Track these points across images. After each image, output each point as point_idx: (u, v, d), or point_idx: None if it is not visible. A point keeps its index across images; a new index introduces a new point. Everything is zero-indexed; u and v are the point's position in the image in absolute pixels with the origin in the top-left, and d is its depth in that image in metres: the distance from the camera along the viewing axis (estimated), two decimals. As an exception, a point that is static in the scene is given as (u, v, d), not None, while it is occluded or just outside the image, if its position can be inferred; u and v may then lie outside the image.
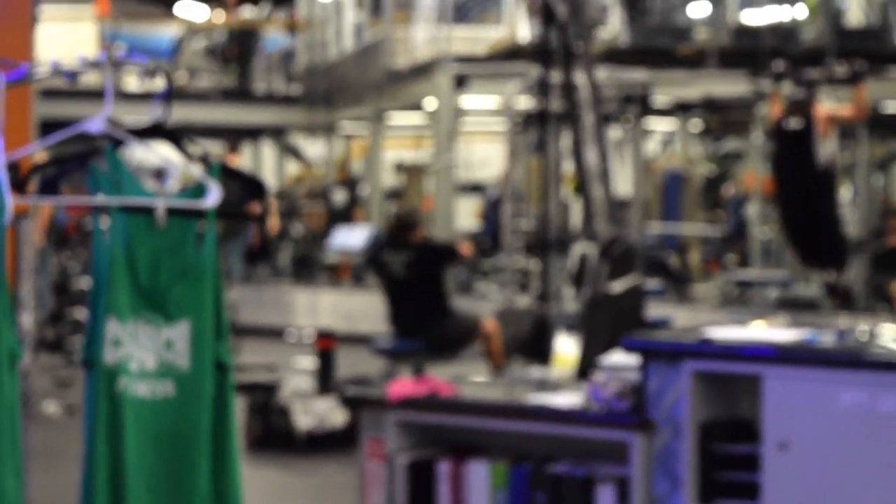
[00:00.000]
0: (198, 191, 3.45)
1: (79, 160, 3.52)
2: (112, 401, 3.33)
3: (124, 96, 20.73)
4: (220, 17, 22.40)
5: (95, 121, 3.40)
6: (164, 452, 3.39)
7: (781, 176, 11.27)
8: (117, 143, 3.48)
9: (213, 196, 3.38)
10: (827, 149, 10.91)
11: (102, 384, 3.33)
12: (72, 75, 3.46)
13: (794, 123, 10.83)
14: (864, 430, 3.73)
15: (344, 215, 19.39)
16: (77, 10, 22.14)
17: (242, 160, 24.98)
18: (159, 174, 3.43)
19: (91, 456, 3.32)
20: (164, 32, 23.96)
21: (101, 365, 3.33)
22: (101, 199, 3.37)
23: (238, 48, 21.96)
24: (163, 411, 3.38)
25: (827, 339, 4.03)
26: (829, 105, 11.23)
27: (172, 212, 3.40)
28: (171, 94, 3.69)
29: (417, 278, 9.77)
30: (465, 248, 10.58)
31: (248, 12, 23.00)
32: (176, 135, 3.59)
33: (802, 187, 10.85)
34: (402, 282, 9.79)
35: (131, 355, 3.35)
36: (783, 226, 11.59)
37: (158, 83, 3.68)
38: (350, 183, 20.82)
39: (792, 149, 10.88)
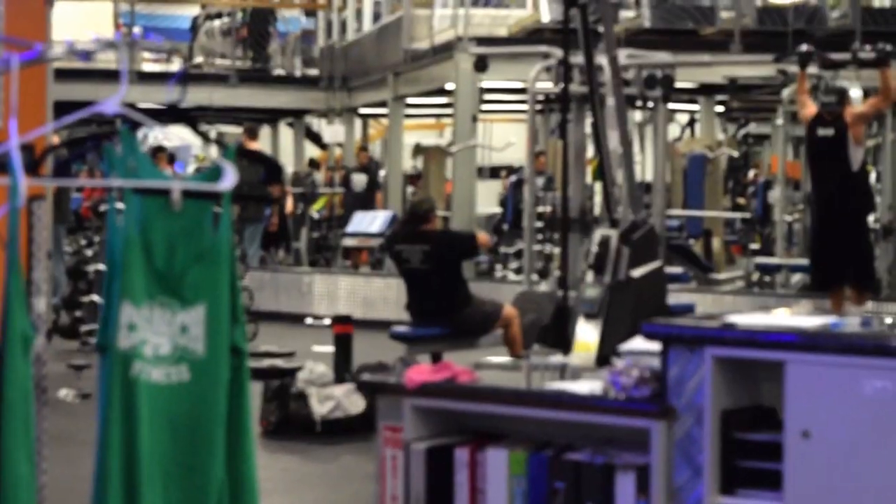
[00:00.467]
0: (214, 173, 3.41)
1: (94, 142, 3.48)
2: (127, 386, 3.30)
3: (141, 77, 20.74)
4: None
5: (110, 102, 3.35)
6: (179, 438, 3.36)
7: (816, 182, 11.23)
8: (133, 125, 3.44)
9: (229, 179, 3.34)
10: (859, 153, 10.86)
11: (117, 369, 3.30)
12: (86, 55, 3.41)
13: (827, 131, 10.76)
14: (887, 417, 3.68)
15: (363, 200, 19.35)
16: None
17: (261, 144, 24.99)
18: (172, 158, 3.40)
19: (105, 441, 3.29)
20: (182, 13, 23.95)
21: (115, 350, 3.30)
22: (116, 181, 3.33)
23: (252, 29, 21.91)
24: (178, 396, 3.35)
25: (851, 325, 3.98)
26: (857, 107, 11.13)
27: (188, 194, 3.36)
28: (188, 76, 3.64)
29: (436, 269, 9.71)
30: (484, 240, 10.49)
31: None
32: (192, 117, 3.55)
33: (836, 191, 10.79)
34: (421, 272, 9.74)
35: (146, 340, 3.32)
36: (813, 239, 11.45)
37: (175, 64, 3.64)
38: (369, 167, 20.80)
39: (825, 155, 10.83)
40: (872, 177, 13.24)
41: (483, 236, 10.70)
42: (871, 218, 11.85)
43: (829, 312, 4.49)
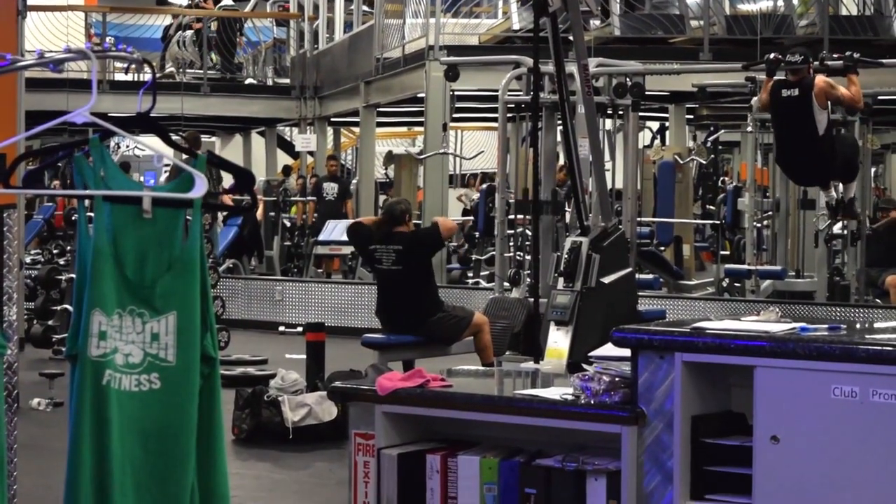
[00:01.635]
0: (185, 182, 3.41)
1: (65, 151, 3.48)
2: (97, 394, 3.30)
3: (113, 86, 20.70)
4: (207, 7, 22.34)
5: (80, 112, 3.36)
6: (151, 446, 3.36)
7: (782, 143, 11.29)
8: (104, 134, 3.45)
9: (199, 188, 3.35)
10: (824, 117, 10.89)
11: (88, 378, 3.31)
12: (56, 66, 3.42)
13: (791, 91, 10.81)
14: (856, 422, 3.70)
15: (335, 208, 19.35)
16: (67, 1, 22.10)
17: (233, 153, 24.96)
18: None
19: (76, 450, 3.29)
20: (154, 23, 23.90)
21: (86, 358, 3.30)
22: (86, 190, 3.33)
23: (219, 39, 21.88)
24: (149, 405, 3.35)
25: (820, 330, 4.00)
26: (829, 79, 11.18)
27: (159, 203, 3.36)
28: (158, 86, 3.65)
29: (408, 270, 9.73)
30: (448, 225, 10.36)
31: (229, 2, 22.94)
32: (162, 127, 3.55)
33: (804, 156, 10.86)
34: (393, 274, 9.75)
35: (117, 349, 3.32)
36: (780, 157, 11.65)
37: (147, 74, 3.65)
38: (339, 175, 20.79)
39: (790, 117, 10.85)
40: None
41: (445, 221, 10.54)
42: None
43: (799, 317, 4.51)
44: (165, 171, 20.87)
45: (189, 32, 22.11)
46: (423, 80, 16.31)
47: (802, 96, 10.75)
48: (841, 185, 11.48)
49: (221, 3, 22.36)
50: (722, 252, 17.51)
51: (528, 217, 10.76)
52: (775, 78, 11.01)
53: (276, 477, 8.22)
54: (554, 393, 4.18)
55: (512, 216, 11.34)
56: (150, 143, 3.88)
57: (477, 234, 17.99)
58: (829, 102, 11.04)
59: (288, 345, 13.31)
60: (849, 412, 3.70)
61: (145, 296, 3.34)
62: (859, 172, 12.51)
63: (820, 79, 10.90)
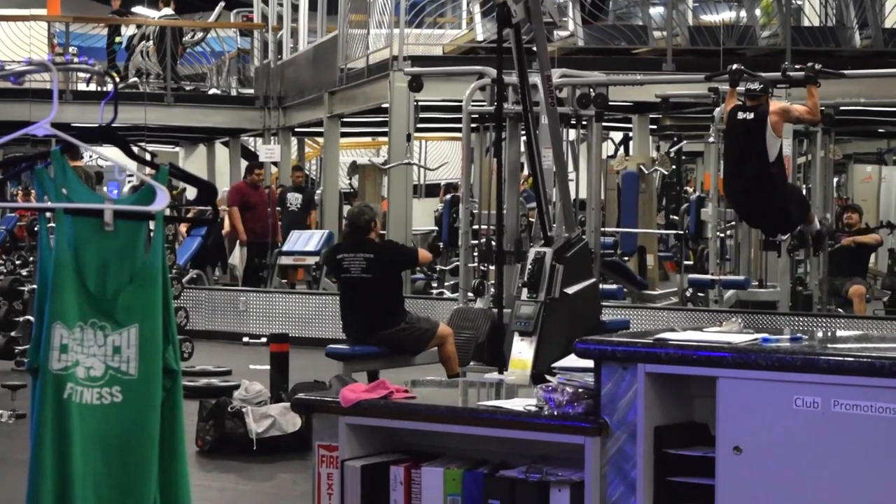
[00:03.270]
0: (146, 195, 3.40)
1: (27, 163, 3.47)
2: (59, 407, 3.29)
3: (76, 96, 20.61)
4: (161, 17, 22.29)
5: (41, 124, 3.35)
6: (112, 459, 3.35)
7: (731, 166, 11.37)
8: (65, 146, 3.43)
9: (161, 200, 3.34)
10: (777, 144, 10.98)
11: (49, 391, 3.29)
12: (17, 79, 3.41)
13: (747, 115, 10.90)
14: (818, 432, 3.72)
15: (299, 218, 19.32)
16: (29, 10, 22.02)
17: (196, 163, 24.90)
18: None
19: (37, 463, 3.27)
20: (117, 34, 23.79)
21: (47, 371, 3.29)
22: (46, 202, 3.32)
23: (162, 48, 21.79)
24: (110, 417, 3.34)
25: (782, 341, 4.02)
26: (782, 101, 11.30)
27: (121, 216, 3.35)
28: (121, 96, 3.64)
29: (376, 278, 9.72)
30: (426, 258, 10.50)
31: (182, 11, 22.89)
32: (123, 138, 3.54)
33: (752, 174, 10.94)
34: (360, 282, 9.75)
35: (78, 361, 3.31)
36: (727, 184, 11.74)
37: (110, 84, 3.65)
38: (304, 186, 20.76)
39: (742, 140, 10.95)
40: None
41: (426, 254, 10.71)
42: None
43: (761, 327, 4.52)
44: (129, 182, 20.83)
45: (151, 42, 22.06)
46: (388, 91, 16.31)
47: (757, 120, 10.86)
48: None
49: (161, 13, 22.30)
50: (685, 262, 17.55)
51: (492, 227, 10.78)
52: (735, 102, 11.12)
53: (240, 488, 8.19)
54: (518, 404, 4.18)
55: (476, 226, 11.35)
56: (112, 155, 3.87)
57: (441, 244, 17.99)
58: (784, 128, 11.17)
59: (252, 355, 13.28)
60: (811, 423, 3.72)
61: (107, 308, 3.32)
62: (810, 203, 12.64)
63: (775, 104, 11.01)
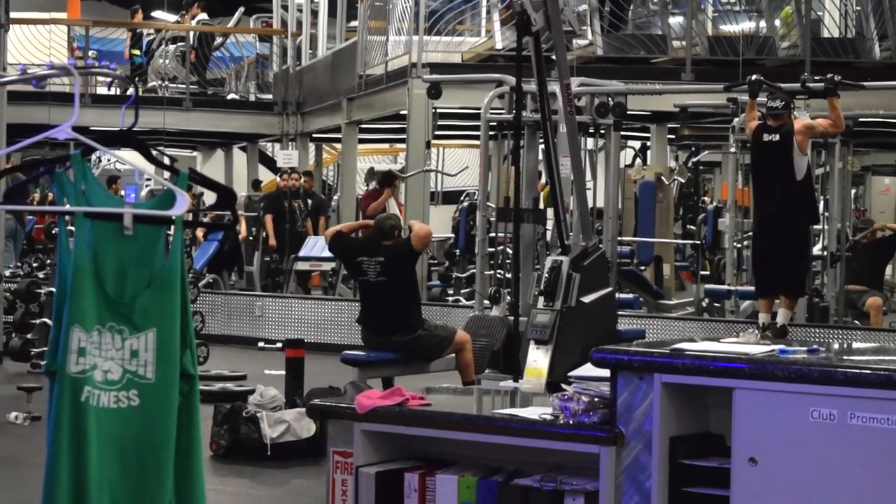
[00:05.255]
0: (165, 199, 3.41)
1: (47, 166, 3.48)
2: (76, 410, 3.29)
3: (95, 100, 20.65)
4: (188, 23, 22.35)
5: (62, 128, 3.36)
6: (128, 462, 3.35)
7: (759, 188, 11.29)
8: (86, 149, 3.44)
9: (181, 204, 3.35)
10: (804, 163, 10.93)
11: (66, 394, 3.30)
12: (38, 82, 3.42)
13: (772, 137, 10.85)
14: (834, 444, 3.71)
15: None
16: (49, 14, 22.08)
17: (214, 168, 24.92)
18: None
19: (54, 465, 3.28)
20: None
21: (65, 374, 3.29)
22: (66, 206, 3.33)
23: (196, 54, 21.87)
24: (127, 421, 3.35)
25: (798, 353, 4.01)
26: (805, 119, 11.25)
27: (140, 220, 3.36)
28: (140, 100, 3.64)
29: (391, 281, 9.72)
30: (420, 233, 10.15)
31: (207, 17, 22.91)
32: (143, 142, 3.55)
33: (780, 201, 10.85)
34: (379, 285, 9.75)
35: (96, 365, 3.31)
36: (754, 248, 11.63)
37: (129, 88, 3.65)
38: (314, 192, 20.76)
39: (770, 162, 10.89)
40: (820, 206, 13.34)
41: (419, 230, 10.29)
42: (814, 228, 12.01)
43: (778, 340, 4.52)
44: (147, 186, 20.86)
45: (172, 47, 22.10)
46: (406, 98, 16.32)
47: (783, 142, 10.79)
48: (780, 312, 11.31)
49: (198, 18, 22.35)
50: (702, 272, 17.53)
51: (509, 234, 10.74)
52: (758, 122, 11.04)
53: (254, 493, 8.20)
54: (533, 412, 4.18)
55: (493, 234, 11.33)
56: (130, 158, 3.87)
57: (457, 251, 17.98)
58: (810, 144, 11.11)
59: (267, 361, 13.28)
60: (827, 434, 3.71)
61: (125, 312, 3.33)
62: (808, 276, 12.48)
63: (799, 122, 10.95)
